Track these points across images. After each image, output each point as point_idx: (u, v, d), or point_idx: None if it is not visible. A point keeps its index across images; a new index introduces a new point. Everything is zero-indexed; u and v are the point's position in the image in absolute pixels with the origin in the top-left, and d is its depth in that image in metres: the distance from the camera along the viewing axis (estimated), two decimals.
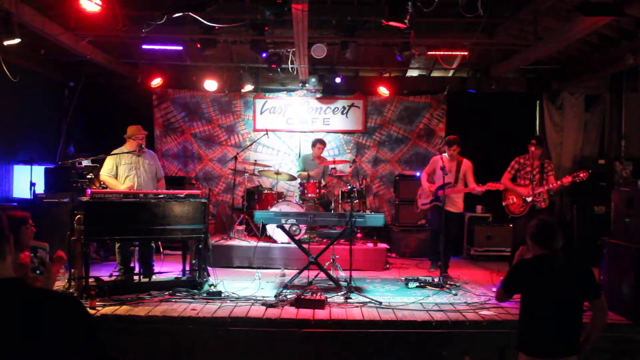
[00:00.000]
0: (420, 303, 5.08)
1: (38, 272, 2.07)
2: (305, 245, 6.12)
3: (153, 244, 6.11)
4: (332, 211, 7.23)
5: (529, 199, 6.08)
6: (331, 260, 6.24)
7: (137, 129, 5.88)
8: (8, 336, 1.52)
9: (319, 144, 7.96)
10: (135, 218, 5.14)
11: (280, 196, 7.68)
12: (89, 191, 5.08)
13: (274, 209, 6.83)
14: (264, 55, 7.29)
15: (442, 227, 6.07)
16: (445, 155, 6.43)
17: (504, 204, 6.40)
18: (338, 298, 5.16)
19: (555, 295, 2.98)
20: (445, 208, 6.11)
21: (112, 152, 5.84)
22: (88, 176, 7.03)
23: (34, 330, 1.53)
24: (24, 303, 1.58)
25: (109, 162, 5.78)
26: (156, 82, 8.38)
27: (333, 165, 7.68)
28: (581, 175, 5.80)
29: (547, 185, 6.02)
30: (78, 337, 1.59)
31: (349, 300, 5.09)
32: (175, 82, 8.86)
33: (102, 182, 5.94)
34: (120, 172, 5.76)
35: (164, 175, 6.30)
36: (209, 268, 5.82)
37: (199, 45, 7.06)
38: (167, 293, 5.14)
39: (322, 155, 8.04)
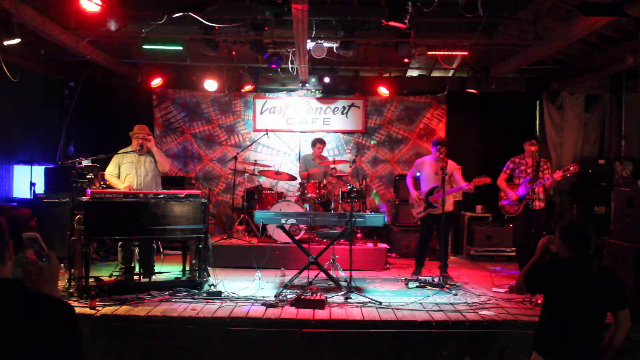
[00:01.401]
0: (420, 303, 5.08)
1: (44, 259, 2.06)
2: (305, 245, 6.12)
3: (153, 244, 6.11)
4: (332, 211, 7.23)
5: (510, 201, 6.14)
6: (331, 260, 6.24)
7: (139, 129, 5.91)
8: (3, 336, 1.52)
9: (319, 143, 7.96)
10: (135, 218, 5.14)
11: (280, 196, 7.69)
12: (89, 191, 5.08)
13: (274, 209, 6.83)
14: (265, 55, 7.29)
15: (441, 230, 6.02)
16: (429, 157, 6.40)
17: (499, 204, 6.42)
18: (338, 298, 5.16)
19: (579, 302, 2.91)
20: (433, 212, 6.10)
21: (118, 152, 5.88)
22: (88, 176, 7.00)
23: (30, 332, 1.54)
24: (21, 304, 1.58)
25: (112, 162, 5.85)
26: (156, 82, 8.38)
27: (333, 165, 7.68)
28: (571, 168, 5.75)
29: (542, 181, 5.98)
30: (67, 344, 1.62)
31: (349, 300, 5.09)
32: (175, 82, 8.86)
33: (102, 182, 5.95)
34: (122, 171, 5.80)
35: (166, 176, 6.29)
36: (209, 268, 5.82)
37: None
38: (167, 293, 5.14)
39: (322, 154, 8.04)
